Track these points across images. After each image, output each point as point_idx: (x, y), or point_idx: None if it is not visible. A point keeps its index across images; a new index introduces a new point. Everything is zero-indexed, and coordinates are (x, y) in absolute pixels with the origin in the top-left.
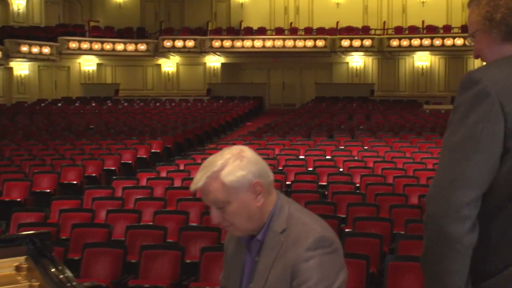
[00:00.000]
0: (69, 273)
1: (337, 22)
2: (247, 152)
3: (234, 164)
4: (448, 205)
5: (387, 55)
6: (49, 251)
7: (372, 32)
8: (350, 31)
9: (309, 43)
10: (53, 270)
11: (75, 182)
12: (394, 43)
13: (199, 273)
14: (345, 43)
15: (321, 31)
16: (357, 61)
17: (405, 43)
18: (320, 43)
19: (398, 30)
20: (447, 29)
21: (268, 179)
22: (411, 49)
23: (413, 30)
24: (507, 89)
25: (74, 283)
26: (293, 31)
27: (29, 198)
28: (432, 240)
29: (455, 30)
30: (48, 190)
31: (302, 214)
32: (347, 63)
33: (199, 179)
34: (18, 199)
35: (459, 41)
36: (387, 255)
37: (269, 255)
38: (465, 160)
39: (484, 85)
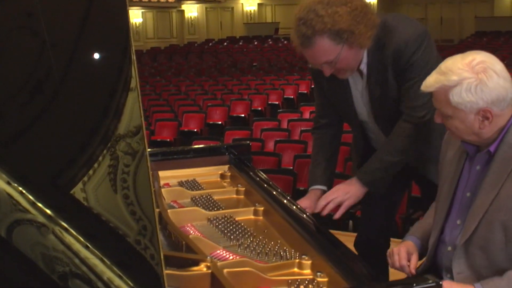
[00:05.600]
0: (272, 183)
1: None
2: (489, 72)
3: (467, 86)
4: None
5: None
6: (249, 161)
7: None
8: None
9: None
10: (256, 178)
11: (243, 115)
12: None
13: None
14: None
15: None
16: None
17: None
18: None
19: None
20: None
21: (503, 104)
22: None
23: None
24: None
25: (278, 190)
26: None
27: (204, 129)
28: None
29: None
30: (220, 122)
31: None
32: None
33: (431, 84)
34: (195, 130)
35: None
36: None
37: (502, 169)
38: None
39: None
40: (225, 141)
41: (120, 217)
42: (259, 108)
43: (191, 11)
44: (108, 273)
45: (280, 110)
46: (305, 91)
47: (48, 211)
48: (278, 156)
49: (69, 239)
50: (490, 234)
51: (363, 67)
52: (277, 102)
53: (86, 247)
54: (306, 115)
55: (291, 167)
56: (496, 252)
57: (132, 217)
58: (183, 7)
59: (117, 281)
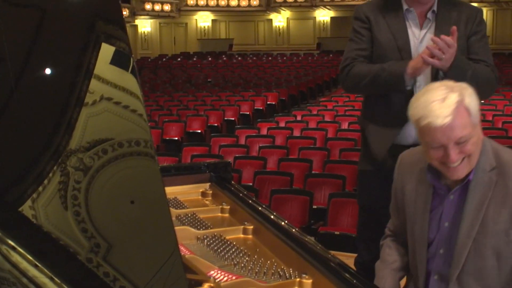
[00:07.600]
0: (257, 201)
1: None
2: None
3: (468, 92)
4: None
5: (503, 6)
6: (230, 178)
7: None
8: None
9: None
10: (240, 195)
11: (199, 131)
12: None
13: (327, 218)
14: None
15: None
16: None
17: None
18: None
19: None
20: None
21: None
22: None
23: None
24: None
25: (264, 206)
26: None
27: (161, 144)
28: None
29: None
30: (177, 138)
31: (507, 153)
32: None
33: (447, 115)
34: None
35: None
36: None
37: (481, 195)
38: None
39: None
40: (183, 157)
41: (70, 234)
42: (216, 124)
43: (145, 26)
44: None
45: (237, 126)
46: (261, 107)
47: None
48: (238, 173)
49: (16, 258)
50: (482, 262)
51: (430, 15)
52: (233, 118)
53: (35, 266)
54: (264, 131)
55: (251, 183)
56: (490, 279)
57: (83, 235)
58: (137, 22)
59: None
